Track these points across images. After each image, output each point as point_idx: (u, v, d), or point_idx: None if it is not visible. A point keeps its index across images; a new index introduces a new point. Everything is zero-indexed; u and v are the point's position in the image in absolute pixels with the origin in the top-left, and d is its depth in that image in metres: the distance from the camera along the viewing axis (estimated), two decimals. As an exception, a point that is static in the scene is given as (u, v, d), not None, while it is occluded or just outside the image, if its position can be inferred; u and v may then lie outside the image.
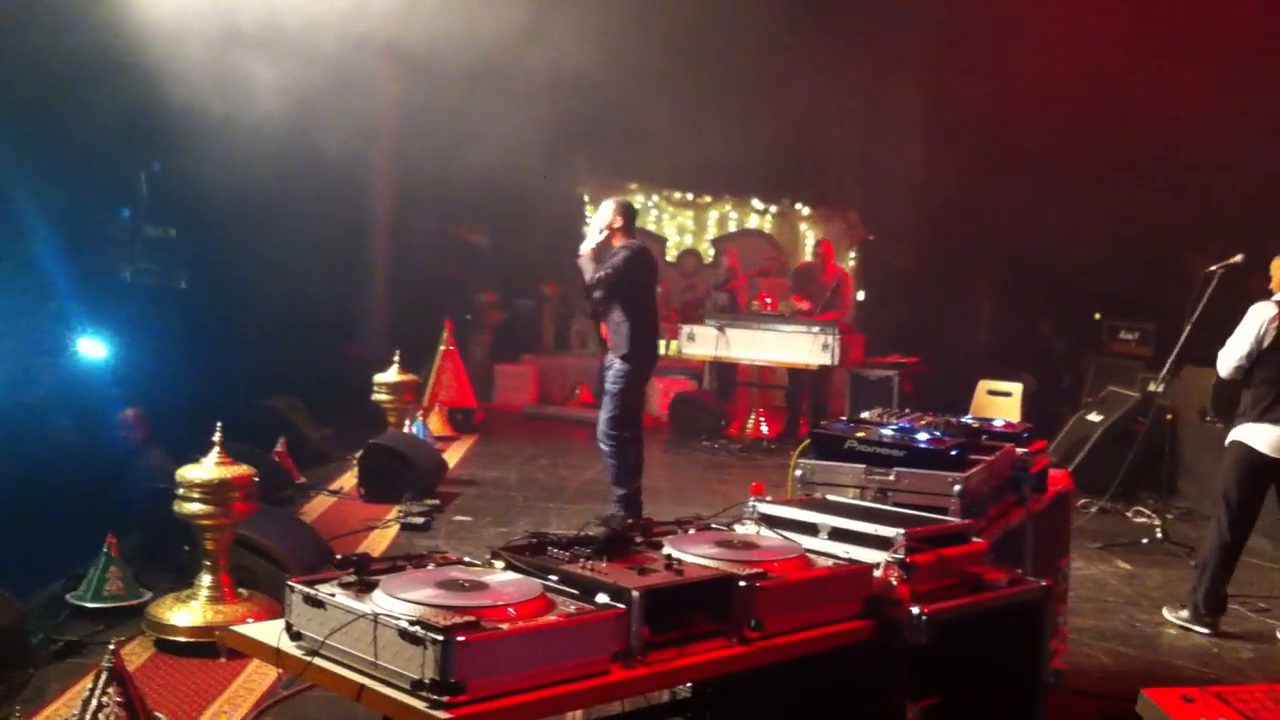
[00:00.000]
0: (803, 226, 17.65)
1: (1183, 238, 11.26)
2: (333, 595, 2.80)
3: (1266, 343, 6.69)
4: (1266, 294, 6.91)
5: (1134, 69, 11.87)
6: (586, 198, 17.95)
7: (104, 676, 4.48)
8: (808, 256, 15.78)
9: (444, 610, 2.67)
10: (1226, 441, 6.93)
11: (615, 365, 8.18)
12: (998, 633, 3.58)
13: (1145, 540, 8.88)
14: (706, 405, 13.72)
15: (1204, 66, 11.34)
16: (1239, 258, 8.30)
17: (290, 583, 2.88)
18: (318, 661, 2.77)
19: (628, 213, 8.36)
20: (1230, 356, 6.81)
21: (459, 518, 8.86)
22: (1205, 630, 6.78)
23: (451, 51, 11.80)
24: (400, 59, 13.45)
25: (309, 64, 10.15)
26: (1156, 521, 9.10)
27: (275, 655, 2.85)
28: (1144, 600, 7.47)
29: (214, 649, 5.57)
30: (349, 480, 9.80)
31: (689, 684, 3.74)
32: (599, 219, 8.35)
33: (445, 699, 2.51)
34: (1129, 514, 9.83)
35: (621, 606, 2.83)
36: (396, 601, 2.72)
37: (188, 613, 5.71)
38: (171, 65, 9.50)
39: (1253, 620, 7.12)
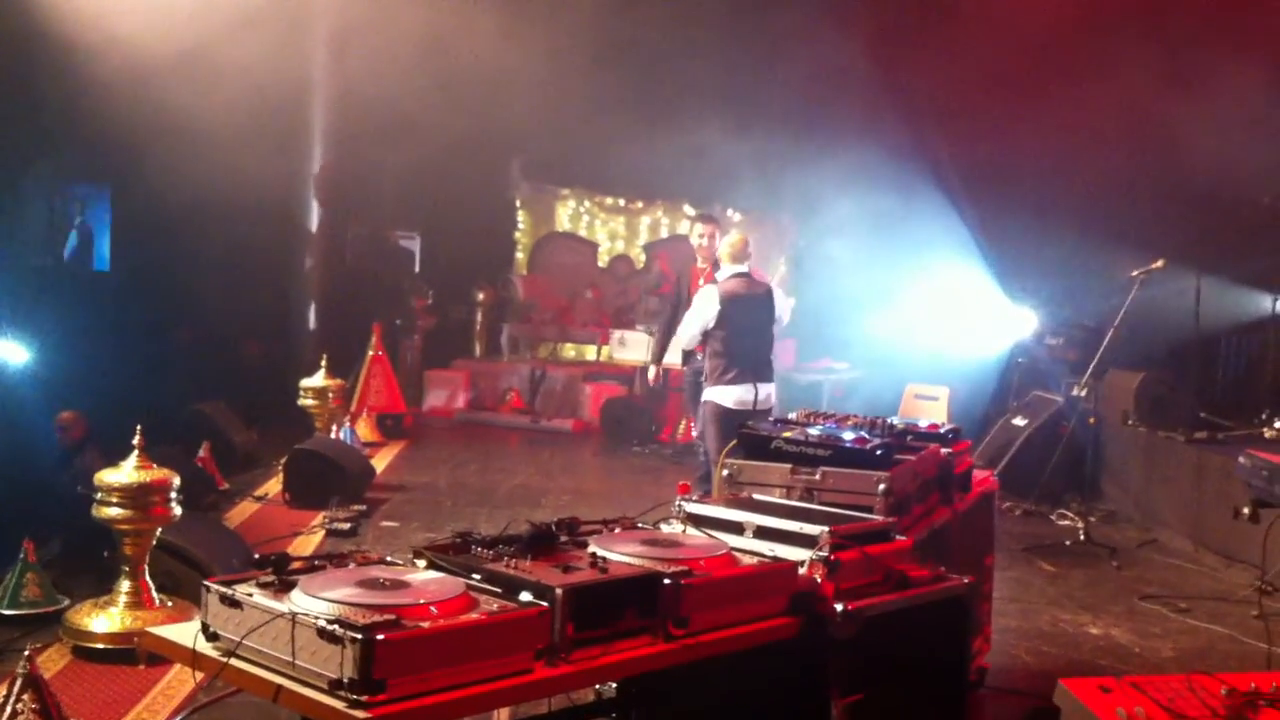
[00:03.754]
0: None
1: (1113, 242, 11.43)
2: (250, 595, 2.76)
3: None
4: None
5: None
6: (518, 202, 17.91)
7: (19, 683, 4.39)
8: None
9: (364, 609, 2.64)
10: None
11: None
12: (922, 629, 3.61)
13: (1068, 542, 8.98)
14: (638, 410, 13.71)
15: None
16: (1160, 262, 8.45)
17: (206, 583, 2.83)
18: (234, 662, 2.72)
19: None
20: None
21: (386, 523, 8.78)
22: None
23: (384, 54, 11.76)
24: (332, 60, 13.36)
25: (241, 64, 10.06)
26: (1080, 524, 9.21)
27: (191, 656, 2.80)
28: (1067, 601, 7.56)
29: (133, 655, 5.47)
30: (274, 486, 9.67)
31: (615, 683, 3.72)
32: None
33: (365, 698, 2.48)
34: (1053, 516, 9.95)
35: (545, 604, 2.81)
36: (315, 600, 2.68)
37: (106, 619, 5.60)
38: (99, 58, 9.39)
39: (1174, 620, 7.22)
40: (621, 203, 18.01)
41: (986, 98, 12.78)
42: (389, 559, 3.12)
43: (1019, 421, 11.03)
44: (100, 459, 7.12)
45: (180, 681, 5.28)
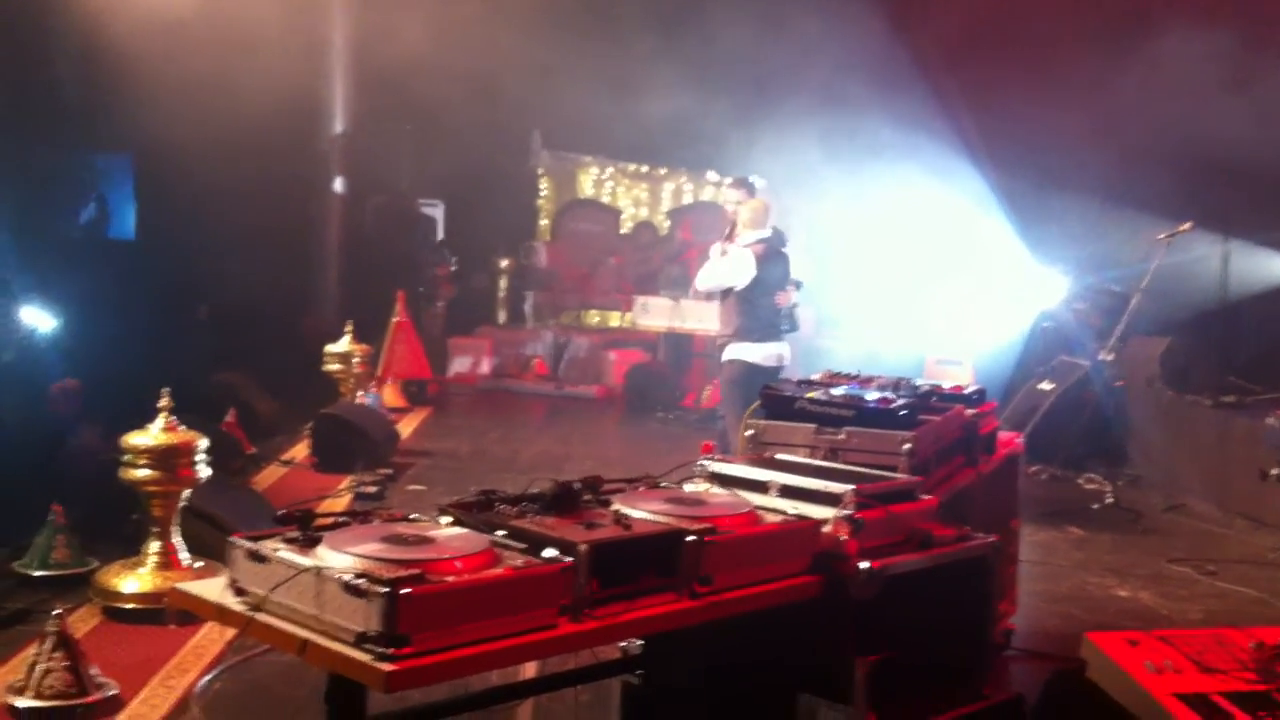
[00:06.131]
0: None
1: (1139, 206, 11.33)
2: (276, 550, 2.77)
3: None
4: None
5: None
6: (541, 170, 17.89)
7: (49, 641, 4.45)
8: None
9: (389, 564, 2.65)
10: None
11: None
12: (946, 589, 3.60)
13: (1095, 506, 8.95)
14: (661, 376, 13.71)
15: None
16: (1188, 225, 8.37)
17: (233, 538, 2.85)
18: (260, 617, 2.74)
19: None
20: None
21: (412, 487, 8.82)
22: None
23: (406, 21, 11.74)
24: (354, 27, 13.35)
25: (262, 33, 10.07)
26: (1106, 488, 9.18)
27: (218, 611, 2.82)
28: (1094, 564, 7.54)
29: (161, 616, 5.52)
30: (301, 451, 9.72)
31: (638, 640, 3.73)
32: None
33: (390, 651, 2.49)
34: (1079, 481, 9.91)
35: (569, 560, 2.81)
36: (341, 555, 2.69)
37: (135, 580, 5.65)
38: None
39: (1201, 583, 7.19)
40: (644, 169, 17.97)
41: (1012, 61, 12.66)
42: (413, 516, 3.14)
43: (1044, 386, 10.96)
44: (99, 429, 7.20)
45: (209, 641, 5.33)
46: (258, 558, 2.78)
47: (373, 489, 8.42)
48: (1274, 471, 6.63)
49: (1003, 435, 5.49)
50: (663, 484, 3.70)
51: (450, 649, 2.57)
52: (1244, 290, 11.11)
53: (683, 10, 14.26)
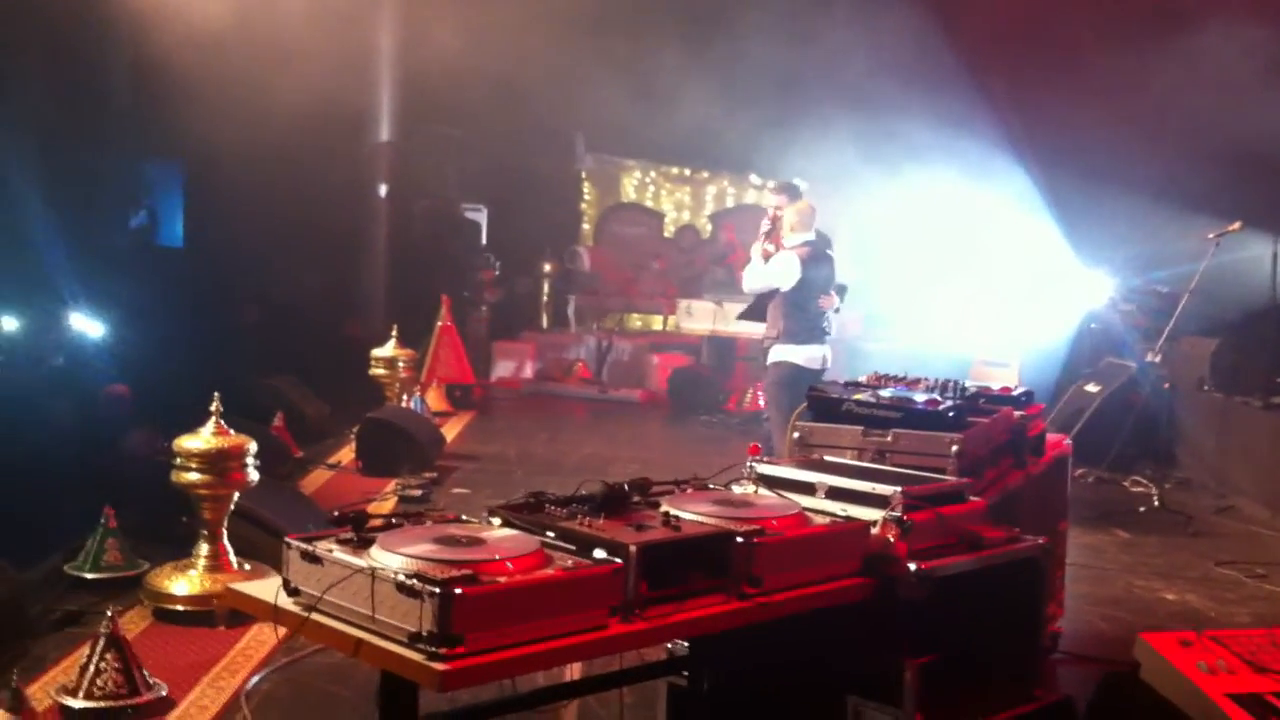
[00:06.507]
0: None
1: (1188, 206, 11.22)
2: (330, 551, 2.80)
3: None
4: None
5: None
6: (584, 174, 17.93)
7: (102, 642, 4.51)
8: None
9: (442, 564, 2.67)
10: None
11: None
12: (996, 591, 3.59)
13: (1142, 509, 8.89)
14: (705, 380, 13.71)
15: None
16: (1237, 224, 8.28)
17: (287, 539, 2.88)
18: (315, 617, 2.77)
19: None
20: None
21: (458, 490, 8.87)
22: None
23: (452, 28, 11.81)
24: (399, 33, 13.45)
25: (310, 40, 10.18)
26: (1154, 491, 9.11)
27: (272, 611, 2.85)
28: (1142, 567, 7.48)
29: (212, 618, 5.58)
30: (347, 454, 9.79)
31: (686, 641, 3.74)
32: None
33: (443, 651, 2.52)
34: (1126, 483, 9.83)
35: (619, 561, 2.83)
36: (394, 556, 2.72)
37: (186, 582, 5.71)
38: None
39: (1249, 586, 7.12)
40: (687, 173, 17.98)
41: (1058, 58, 12.57)
42: (464, 517, 3.16)
43: (1091, 388, 10.89)
44: (148, 432, 7.28)
45: (259, 643, 5.38)
46: (312, 558, 2.81)
47: (418, 492, 8.46)
48: None
49: (1051, 437, 5.46)
50: (710, 486, 3.70)
51: (502, 649, 2.59)
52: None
53: (720, 12, 14.26)
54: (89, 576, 6.08)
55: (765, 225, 8.67)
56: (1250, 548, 8.01)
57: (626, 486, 3.34)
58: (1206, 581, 7.20)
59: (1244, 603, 6.79)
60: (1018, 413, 4.85)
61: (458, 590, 2.53)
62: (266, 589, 2.92)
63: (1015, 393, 5.06)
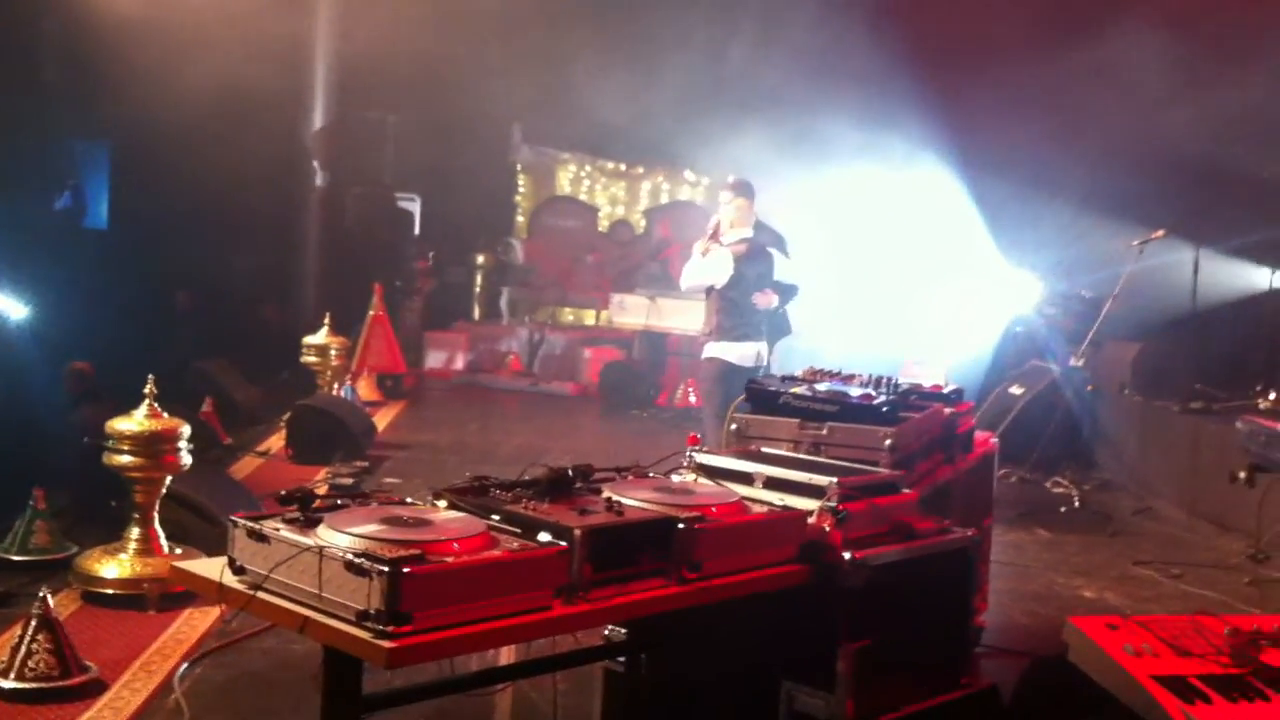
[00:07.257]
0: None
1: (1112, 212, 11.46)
2: (277, 530, 2.82)
3: None
4: None
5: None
6: (519, 166, 17.92)
7: (33, 624, 4.47)
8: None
9: (390, 544, 2.71)
10: None
11: None
12: (927, 581, 3.69)
13: (1064, 509, 9.07)
14: (637, 374, 13.77)
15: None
16: (1161, 232, 8.48)
17: (234, 518, 2.89)
18: (261, 595, 2.79)
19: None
20: None
21: (390, 480, 8.83)
22: None
23: (387, 13, 11.75)
24: (334, 18, 13.36)
25: (243, 21, 10.08)
26: (1074, 492, 9.30)
27: (218, 590, 2.87)
28: (1062, 565, 7.64)
29: (143, 601, 5.54)
30: (277, 442, 9.71)
31: (623, 628, 3.79)
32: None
33: (390, 629, 2.55)
34: (1048, 484, 10.02)
35: (564, 544, 2.88)
36: (342, 535, 2.75)
37: (116, 565, 5.66)
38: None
39: (1165, 584, 7.30)
40: (623, 168, 18.02)
41: (986, 64, 12.75)
42: (409, 499, 3.19)
43: (1016, 390, 11.08)
44: (100, 412, 7.18)
45: (190, 627, 5.36)
46: (259, 537, 2.82)
47: (349, 481, 8.41)
48: (1241, 474, 6.74)
49: (978, 435, 5.58)
50: (651, 474, 3.76)
51: (449, 628, 2.63)
52: (1214, 298, 11.24)
53: (653, 6, 14.32)
54: (16, 559, 6.01)
55: (713, 222, 8.73)
56: (1167, 548, 8.20)
57: (570, 472, 3.39)
58: (1124, 580, 7.38)
59: (1159, 600, 6.96)
60: (948, 409, 4.96)
61: (406, 569, 2.56)
62: (211, 567, 2.94)
63: (946, 390, 5.18)
